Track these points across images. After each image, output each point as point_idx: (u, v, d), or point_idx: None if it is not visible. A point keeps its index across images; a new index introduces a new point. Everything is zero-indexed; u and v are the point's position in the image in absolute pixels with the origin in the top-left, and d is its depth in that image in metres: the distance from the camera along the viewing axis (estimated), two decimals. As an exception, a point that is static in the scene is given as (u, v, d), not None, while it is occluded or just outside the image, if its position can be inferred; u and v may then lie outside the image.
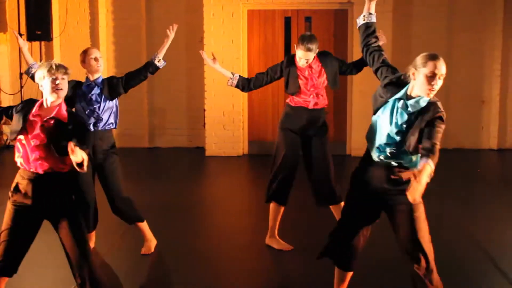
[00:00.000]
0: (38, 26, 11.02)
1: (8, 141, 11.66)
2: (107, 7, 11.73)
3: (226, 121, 11.24)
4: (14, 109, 4.37)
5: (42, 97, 4.35)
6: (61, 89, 4.22)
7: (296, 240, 6.38)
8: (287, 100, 6.24)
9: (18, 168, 4.34)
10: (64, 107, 4.30)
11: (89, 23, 11.72)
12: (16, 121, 4.28)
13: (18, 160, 4.32)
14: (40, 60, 11.38)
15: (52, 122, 4.24)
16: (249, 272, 5.80)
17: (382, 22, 10.84)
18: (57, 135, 4.21)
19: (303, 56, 5.93)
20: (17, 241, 4.30)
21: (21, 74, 11.44)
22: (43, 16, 10.98)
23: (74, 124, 4.26)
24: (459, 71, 11.26)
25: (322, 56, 6.16)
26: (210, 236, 6.87)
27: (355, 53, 10.81)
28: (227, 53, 11.00)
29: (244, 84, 6.23)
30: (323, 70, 6.08)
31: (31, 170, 4.24)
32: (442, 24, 11.44)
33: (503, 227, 7.00)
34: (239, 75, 6.26)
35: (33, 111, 4.25)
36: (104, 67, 11.87)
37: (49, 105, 4.26)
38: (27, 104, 4.33)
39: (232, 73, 6.25)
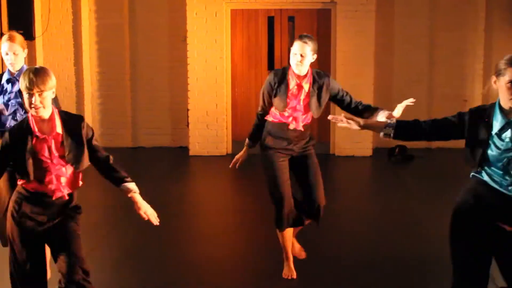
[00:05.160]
0: (20, 25, 10.90)
1: None
2: (90, 6, 11.67)
3: (210, 121, 11.21)
4: None
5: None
6: None
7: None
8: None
9: None
10: None
11: (72, 22, 11.63)
12: None
13: None
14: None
15: None
16: (231, 271, 5.79)
17: (365, 21, 10.88)
18: None
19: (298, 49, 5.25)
20: None
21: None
22: (25, 15, 10.87)
23: None
24: (441, 70, 11.29)
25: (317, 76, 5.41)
26: (193, 236, 6.85)
27: (338, 52, 10.86)
28: (210, 52, 10.99)
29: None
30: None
31: None
32: (424, 23, 11.46)
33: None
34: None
35: None
36: (87, 67, 12.02)
37: None
38: None
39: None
